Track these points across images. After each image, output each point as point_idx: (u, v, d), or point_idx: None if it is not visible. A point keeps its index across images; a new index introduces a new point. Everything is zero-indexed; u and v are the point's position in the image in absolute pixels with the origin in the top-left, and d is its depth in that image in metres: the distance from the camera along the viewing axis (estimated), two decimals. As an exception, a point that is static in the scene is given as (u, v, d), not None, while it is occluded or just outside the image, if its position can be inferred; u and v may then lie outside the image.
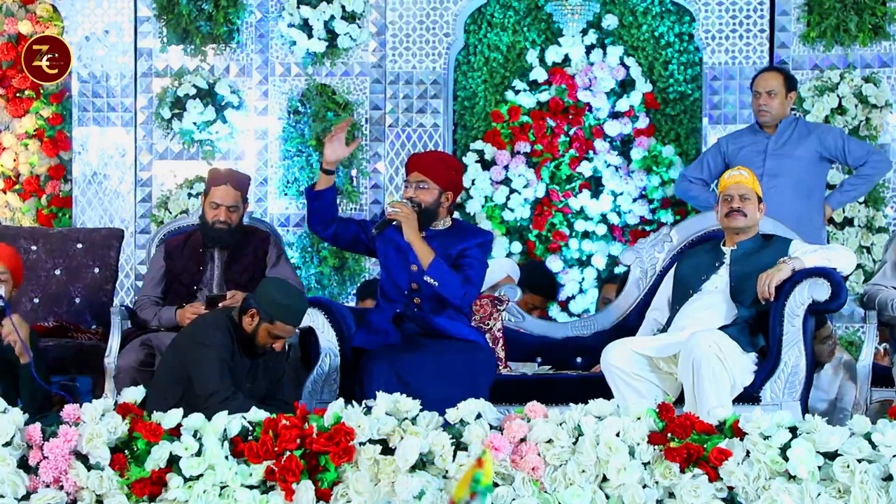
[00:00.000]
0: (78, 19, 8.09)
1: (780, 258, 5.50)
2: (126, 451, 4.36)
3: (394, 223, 5.53)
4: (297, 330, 5.70)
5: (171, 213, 7.85)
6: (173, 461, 4.33)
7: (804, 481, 4.21)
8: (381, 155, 7.86)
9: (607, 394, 5.22)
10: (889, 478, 4.21)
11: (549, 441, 4.33)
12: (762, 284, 5.41)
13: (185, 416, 4.42)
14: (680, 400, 5.24)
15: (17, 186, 8.37)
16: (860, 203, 7.43)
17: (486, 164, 8.05)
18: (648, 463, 4.30)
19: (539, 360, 6.10)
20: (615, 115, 8.00)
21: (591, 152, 8.02)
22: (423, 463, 4.31)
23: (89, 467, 4.34)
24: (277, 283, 5.42)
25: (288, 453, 4.29)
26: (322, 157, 5.66)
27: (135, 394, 4.54)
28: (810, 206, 6.77)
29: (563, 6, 7.88)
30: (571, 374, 5.92)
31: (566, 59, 8.04)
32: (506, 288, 6.35)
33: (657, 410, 4.37)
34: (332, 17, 7.81)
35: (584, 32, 8.00)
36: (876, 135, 7.51)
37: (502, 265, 6.82)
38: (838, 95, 7.45)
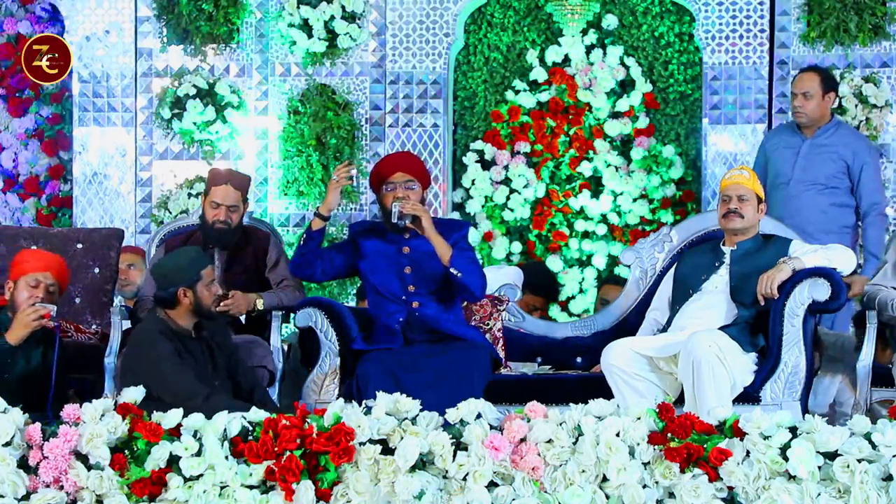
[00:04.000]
0: (78, 19, 8.09)
1: (781, 258, 5.51)
2: (126, 451, 4.36)
3: (407, 221, 5.55)
4: (295, 329, 5.73)
5: (171, 213, 7.85)
6: (173, 461, 4.33)
7: (804, 481, 4.21)
8: (382, 155, 7.85)
9: (607, 394, 5.22)
10: (889, 478, 4.22)
11: (549, 441, 4.32)
12: (764, 285, 5.41)
13: (184, 416, 4.42)
14: (680, 400, 5.24)
15: (16, 186, 8.38)
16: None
17: (486, 164, 8.06)
18: (648, 463, 4.30)
19: (539, 360, 6.09)
20: (615, 115, 8.00)
21: (591, 152, 8.02)
22: (423, 463, 4.31)
23: (89, 467, 4.34)
24: (161, 262, 5.53)
25: (288, 453, 4.29)
26: (323, 199, 5.75)
27: (135, 394, 4.54)
28: (839, 206, 6.75)
29: (563, 6, 7.88)
30: (571, 374, 5.92)
31: (566, 59, 8.04)
32: (506, 288, 6.35)
33: (657, 410, 4.37)
34: (332, 17, 7.80)
35: (584, 32, 8.00)
36: (876, 135, 7.51)
37: (507, 274, 6.81)
38: (838, 95, 7.44)
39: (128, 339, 5.76)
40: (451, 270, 5.54)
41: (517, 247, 8.04)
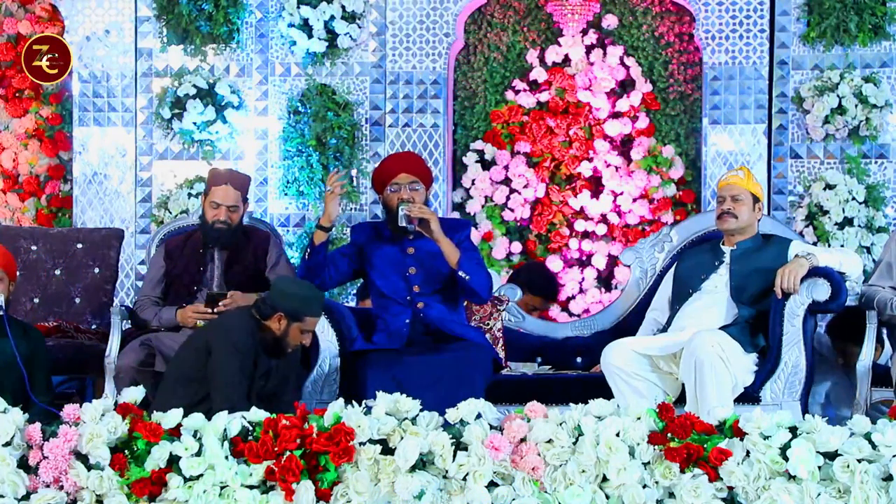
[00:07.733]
0: (78, 19, 8.09)
1: (791, 255, 5.51)
2: (126, 451, 4.36)
3: (415, 225, 5.52)
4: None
5: (171, 213, 7.84)
6: (173, 461, 4.33)
7: (804, 481, 4.21)
8: (381, 155, 7.86)
9: (607, 394, 5.22)
10: (889, 478, 4.22)
11: (549, 441, 4.32)
12: (786, 280, 5.39)
13: (185, 415, 4.42)
14: (680, 400, 5.25)
15: (16, 187, 8.38)
16: (860, 203, 7.43)
17: (486, 164, 8.06)
18: (648, 463, 4.30)
19: (539, 360, 6.10)
20: (615, 115, 8.00)
21: (591, 152, 8.02)
22: (423, 463, 4.31)
23: (89, 467, 4.34)
24: (289, 281, 5.44)
25: (288, 453, 4.29)
26: (323, 211, 5.66)
27: (135, 394, 4.53)
28: None
29: (563, 6, 7.88)
30: (571, 374, 5.92)
31: (566, 59, 8.04)
32: (506, 288, 6.36)
33: (657, 410, 4.37)
34: (332, 17, 7.80)
35: (584, 32, 8.00)
36: (876, 135, 7.51)
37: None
38: (838, 95, 7.44)
39: (213, 323, 5.55)
40: (460, 274, 5.52)
41: (517, 247, 8.04)
